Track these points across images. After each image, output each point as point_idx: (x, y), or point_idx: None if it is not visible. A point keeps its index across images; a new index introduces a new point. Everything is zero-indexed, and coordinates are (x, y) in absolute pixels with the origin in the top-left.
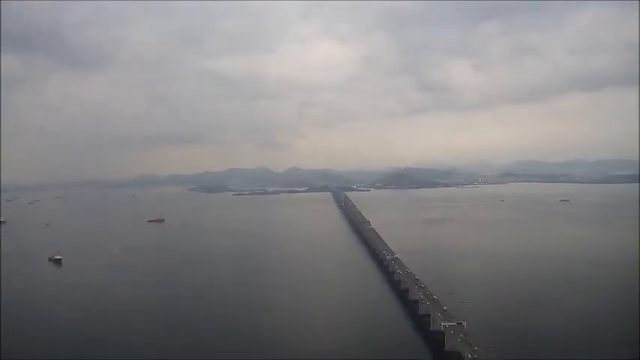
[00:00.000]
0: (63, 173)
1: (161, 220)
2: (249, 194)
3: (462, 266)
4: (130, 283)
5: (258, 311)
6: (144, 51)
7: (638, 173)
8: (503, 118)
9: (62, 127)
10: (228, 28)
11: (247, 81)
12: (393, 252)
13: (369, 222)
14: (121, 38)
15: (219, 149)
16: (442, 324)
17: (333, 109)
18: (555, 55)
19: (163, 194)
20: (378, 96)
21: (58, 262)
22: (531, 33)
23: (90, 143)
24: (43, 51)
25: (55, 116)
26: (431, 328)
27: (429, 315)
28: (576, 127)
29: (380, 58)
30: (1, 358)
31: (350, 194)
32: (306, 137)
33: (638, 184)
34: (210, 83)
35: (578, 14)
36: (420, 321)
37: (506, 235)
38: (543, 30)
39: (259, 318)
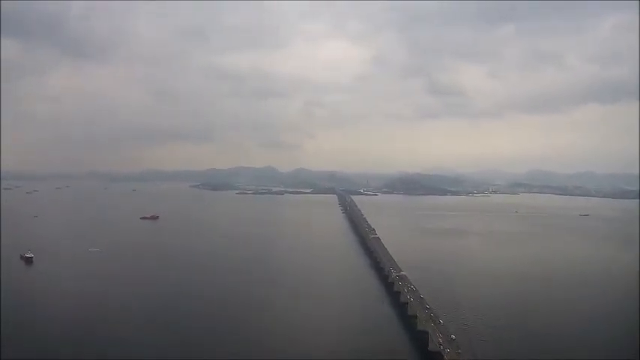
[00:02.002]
0: (67, 164)
1: (155, 217)
2: (253, 193)
3: (479, 288)
4: (92, 290)
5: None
6: (149, 44)
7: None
8: (515, 126)
9: (66, 118)
10: (235, 24)
11: (254, 78)
12: (399, 267)
13: (374, 230)
14: (126, 30)
15: (227, 147)
16: None
17: (341, 109)
18: (573, 63)
19: (165, 190)
20: (388, 98)
21: (28, 260)
22: (549, 38)
23: (95, 135)
24: (45, 40)
25: (59, 107)
26: None
27: (439, 353)
28: (589, 138)
29: (390, 59)
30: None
31: (356, 198)
32: (314, 138)
33: (637, 199)
34: (217, 79)
35: (599, 20)
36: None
37: (530, 252)
38: (562, 35)
39: None
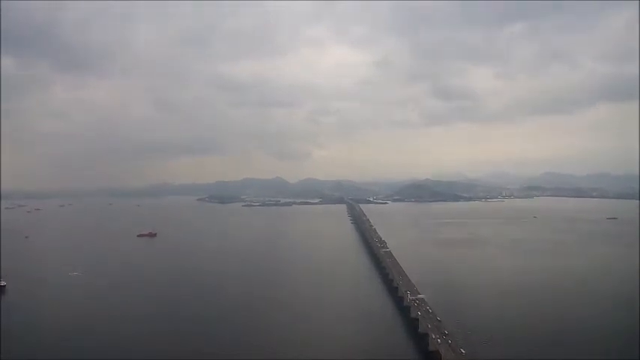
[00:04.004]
0: (74, 181)
1: (153, 235)
2: (260, 205)
3: (513, 312)
4: (56, 325)
5: None
6: (150, 54)
7: None
8: (526, 128)
9: (71, 134)
10: (236, 28)
11: (258, 87)
12: (413, 284)
13: (385, 243)
14: (127, 41)
15: (234, 159)
16: None
17: (347, 117)
18: (585, 61)
19: (171, 204)
20: (395, 103)
21: (0, 289)
22: (560, 36)
23: (102, 150)
24: (45, 55)
25: (62, 123)
26: None
27: None
28: (603, 138)
29: (396, 63)
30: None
31: (365, 207)
32: (321, 147)
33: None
34: (220, 88)
35: (612, 15)
36: None
37: (566, 266)
38: (573, 33)
39: None
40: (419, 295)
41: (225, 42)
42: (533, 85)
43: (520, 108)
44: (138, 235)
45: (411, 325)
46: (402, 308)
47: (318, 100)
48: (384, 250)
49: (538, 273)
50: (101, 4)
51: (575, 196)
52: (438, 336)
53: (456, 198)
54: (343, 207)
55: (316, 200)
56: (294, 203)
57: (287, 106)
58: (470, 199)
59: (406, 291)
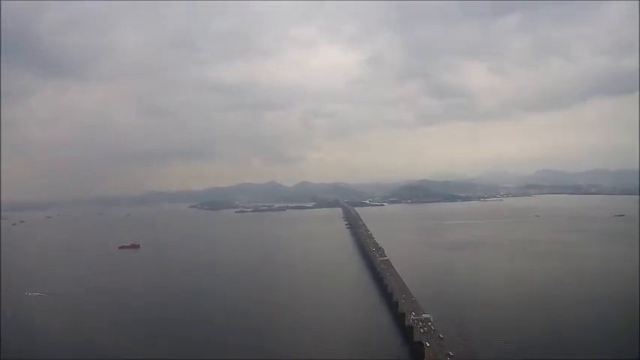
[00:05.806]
0: (65, 190)
1: (136, 246)
2: (252, 211)
3: (520, 321)
4: None
5: None
6: (139, 59)
7: None
8: (522, 126)
9: (60, 142)
10: (223, 30)
11: (250, 89)
12: (415, 299)
13: (382, 250)
14: (113, 45)
15: (230, 164)
16: None
17: (341, 119)
18: (582, 53)
19: (162, 212)
20: (390, 103)
21: None
22: (556, 29)
23: (94, 159)
24: (28, 60)
25: (50, 131)
26: None
27: None
28: (600, 134)
29: (389, 61)
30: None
31: (361, 210)
32: (316, 150)
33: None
34: (212, 91)
35: (610, 8)
36: None
37: (586, 269)
38: (570, 25)
39: None
40: (423, 315)
41: (214, 44)
42: (529, 80)
43: (516, 104)
44: (119, 247)
45: (414, 348)
46: (404, 328)
47: (312, 101)
48: (381, 258)
49: (552, 279)
50: (85, 4)
51: (573, 193)
52: None
53: (454, 198)
54: (339, 210)
55: (311, 204)
56: (288, 208)
57: (280, 109)
58: (467, 198)
59: (407, 309)
